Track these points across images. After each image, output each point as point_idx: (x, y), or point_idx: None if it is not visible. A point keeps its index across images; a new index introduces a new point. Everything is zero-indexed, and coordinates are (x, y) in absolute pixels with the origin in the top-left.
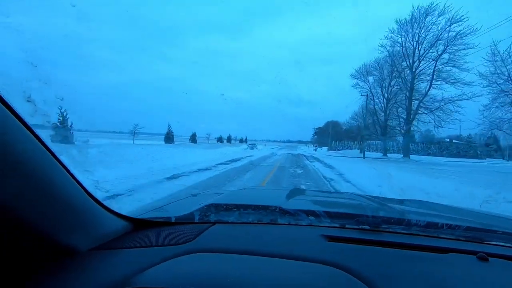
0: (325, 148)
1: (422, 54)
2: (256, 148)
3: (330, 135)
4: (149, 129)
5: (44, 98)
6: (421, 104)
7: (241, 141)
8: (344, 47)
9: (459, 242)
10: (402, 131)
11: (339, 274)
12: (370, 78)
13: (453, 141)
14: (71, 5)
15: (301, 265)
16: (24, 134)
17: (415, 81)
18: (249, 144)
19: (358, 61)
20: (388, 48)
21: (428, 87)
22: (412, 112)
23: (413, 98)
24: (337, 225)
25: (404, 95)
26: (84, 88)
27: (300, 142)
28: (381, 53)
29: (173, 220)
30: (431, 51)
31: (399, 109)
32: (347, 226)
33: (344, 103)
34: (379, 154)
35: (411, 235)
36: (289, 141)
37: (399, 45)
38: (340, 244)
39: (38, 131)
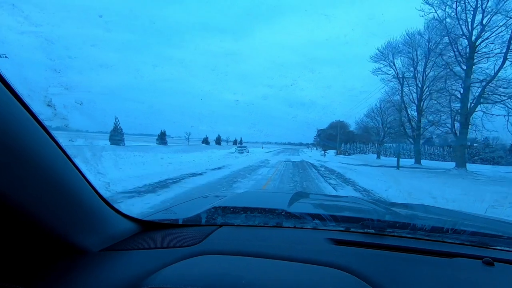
0: (331, 152)
1: (489, 15)
2: (247, 152)
3: (338, 136)
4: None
5: (64, 102)
6: (487, 91)
7: (235, 142)
8: (349, 48)
9: (464, 246)
10: (451, 130)
11: (345, 277)
12: (397, 62)
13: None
14: (98, 16)
15: (307, 267)
16: (42, 137)
17: (474, 60)
18: (238, 147)
19: (363, 62)
20: (435, 9)
21: (498, 66)
22: (470, 103)
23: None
24: (342, 229)
25: (454, 79)
26: (102, 92)
27: (301, 144)
28: (422, 17)
29: (180, 222)
30: (502, 8)
31: (440, 100)
32: (352, 229)
33: (349, 105)
34: (407, 161)
35: (416, 239)
36: (290, 143)
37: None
38: (346, 248)
39: (56, 134)
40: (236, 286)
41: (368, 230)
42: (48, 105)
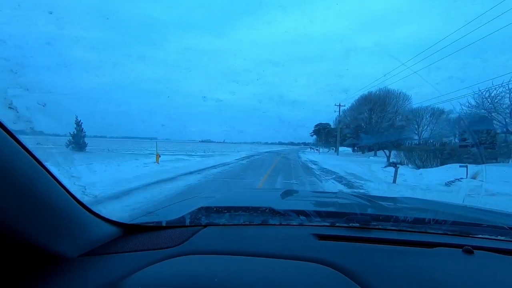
0: (344, 151)
1: None
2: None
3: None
4: (137, 133)
5: (26, 104)
6: None
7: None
8: (342, 43)
9: (446, 236)
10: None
11: (327, 272)
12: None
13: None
14: (48, 12)
15: (290, 264)
16: (6, 141)
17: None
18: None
19: (356, 57)
20: None
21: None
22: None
23: None
24: (327, 224)
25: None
26: (65, 92)
27: (292, 143)
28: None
29: (164, 224)
30: None
31: None
32: (337, 224)
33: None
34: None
35: (399, 231)
36: (292, 143)
37: None
38: (330, 242)
39: (22, 138)
40: (207, 285)
41: (353, 224)
42: (10, 108)
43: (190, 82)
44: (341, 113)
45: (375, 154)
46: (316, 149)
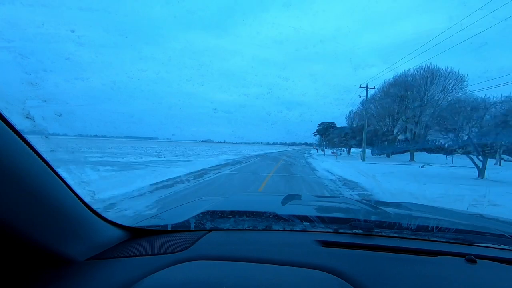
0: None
1: None
2: None
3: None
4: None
5: (43, 114)
6: None
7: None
8: (344, 43)
9: (449, 244)
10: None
11: (331, 279)
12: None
13: None
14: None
15: (294, 270)
16: (21, 148)
17: None
18: None
19: (357, 56)
20: None
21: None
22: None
23: None
24: (330, 230)
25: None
26: (75, 102)
27: (294, 144)
28: None
29: (169, 228)
30: None
31: None
32: (340, 231)
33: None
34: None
35: (402, 239)
36: (293, 143)
37: None
38: (334, 249)
39: (35, 143)
40: None
41: (356, 231)
42: (27, 117)
43: (188, 81)
44: (358, 105)
45: (412, 159)
46: (333, 152)
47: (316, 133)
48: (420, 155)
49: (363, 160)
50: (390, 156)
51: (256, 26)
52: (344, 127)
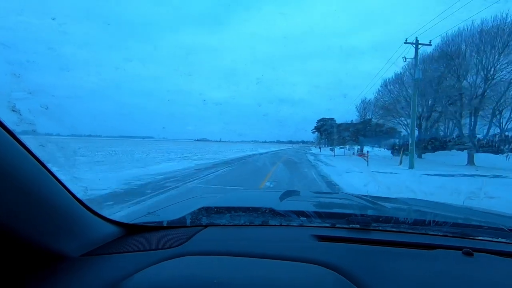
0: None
1: None
2: None
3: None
4: (133, 132)
5: (29, 107)
6: None
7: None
8: (342, 40)
9: (446, 238)
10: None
11: (327, 273)
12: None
13: None
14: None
15: (290, 265)
16: (9, 142)
17: None
18: None
19: (355, 54)
20: None
21: None
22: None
23: None
24: (327, 225)
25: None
26: (66, 93)
27: (291, 142)
28: None
29: (165, 224)
30: None
31: None
32: (337, 225)
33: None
34: None
35: (399, 233)
36: (291, 142)
37: None
38: (330, 244)
39: (24, 139)
40: (207, 286)
41: (353, 226)
42: (13, 110)
43: (187, 81)
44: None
45: (471, 162)
46: (360, 153)
47: (314, 130)
48: (481, 157)
49: (411, 167)
50: (422, 156)
51: (253, 23)
52: (345, 123)
